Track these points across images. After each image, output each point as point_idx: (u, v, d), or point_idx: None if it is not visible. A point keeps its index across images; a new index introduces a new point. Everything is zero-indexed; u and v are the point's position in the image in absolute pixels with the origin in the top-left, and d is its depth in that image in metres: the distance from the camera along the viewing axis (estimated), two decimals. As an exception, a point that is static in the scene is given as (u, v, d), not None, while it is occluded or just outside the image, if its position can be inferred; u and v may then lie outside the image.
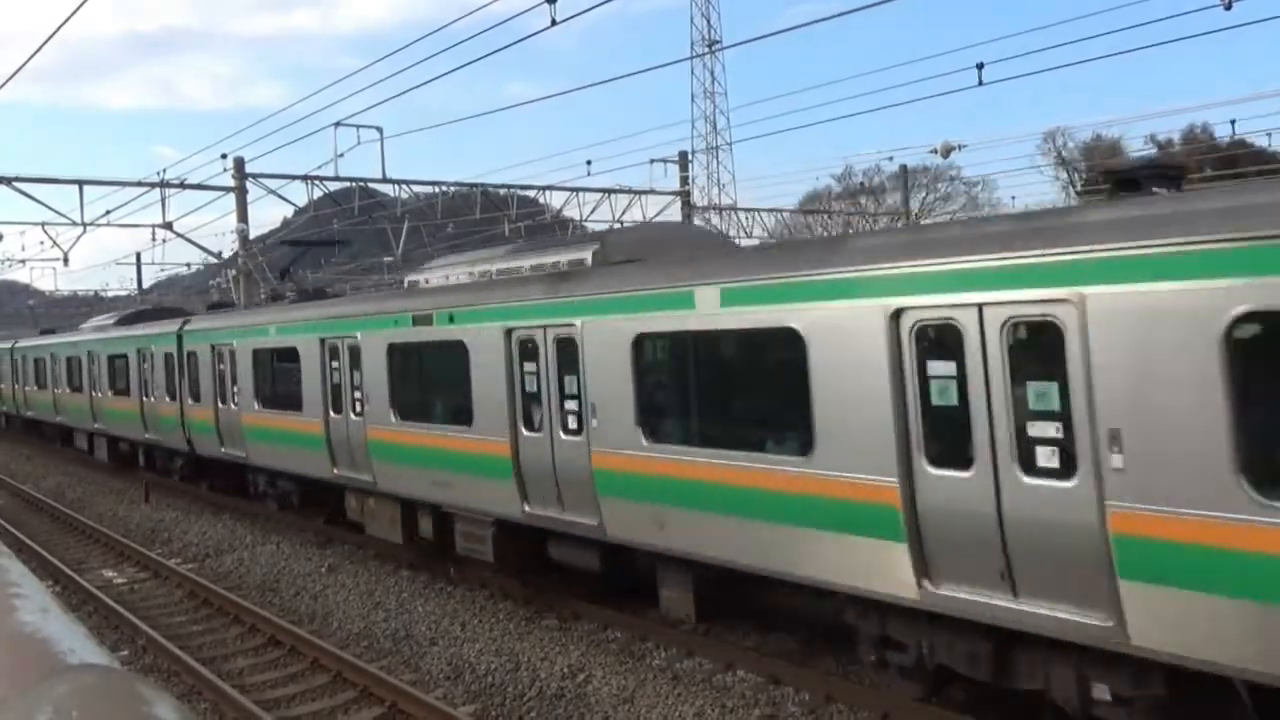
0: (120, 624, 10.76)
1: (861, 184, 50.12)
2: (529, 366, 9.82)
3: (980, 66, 17.95)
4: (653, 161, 30.28)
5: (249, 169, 24.47)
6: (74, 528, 17.15)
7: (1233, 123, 41.26)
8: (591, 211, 29.60)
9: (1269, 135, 35.44)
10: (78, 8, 11.00)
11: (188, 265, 47.28)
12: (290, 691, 8.71)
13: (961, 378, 6.25)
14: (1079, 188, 49.81)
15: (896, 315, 6.53)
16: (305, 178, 24.59)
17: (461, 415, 10.67)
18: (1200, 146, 42.60)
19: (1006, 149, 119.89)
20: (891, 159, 39.41)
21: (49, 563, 13.71)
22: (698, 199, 34.34)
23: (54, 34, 12.47)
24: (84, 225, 24.11)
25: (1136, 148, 47.01)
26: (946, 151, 32.37)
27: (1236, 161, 39.20)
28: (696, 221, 33.05)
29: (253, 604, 11.18)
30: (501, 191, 29.52)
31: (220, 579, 12.74)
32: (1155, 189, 6.39)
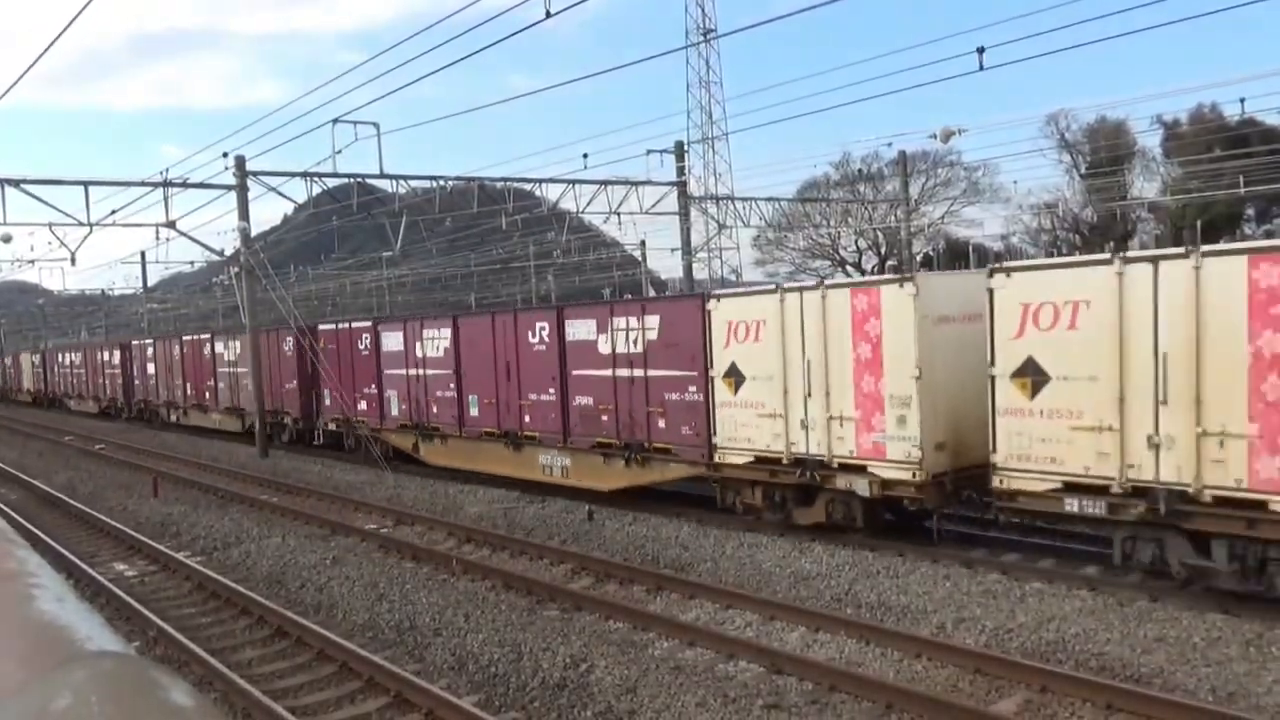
0: (131, 615, 10.90)
1: (860, 171, 49.85)
2: None
3: (981, 50, 17.87)
4: (649, 152, 30.25)
5: (250, 167, 24.55)
6: (85, 522, 17.30)
7: (1242, 101, 40.77)
8: (588, 203, 29.60)
9: (1280, 113, 34.92)
10: (81, 9, 11.07)
11: (191, 263, 47.45)
12: (298, 681, 8.83)
13: None
14: (1083, 170, 49.54)
15: None
16: (304, 175, 24.64)
17: None
18: (1209, 126, 42.16)
19: (1009, 132, 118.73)
20: (890, 145, 39.12)
21: (62, 556, 13.85)
22: (694, 189, 34.25)
23: (60, 35, 12.55)
24: (90, 225, 24.24)
25: (1142, 129, 46.62)
26: (947, 136, 32.15)
27: (1246, 141, 38.75)
28: (693, 212, 33.06)
29: (260, 596, 11.31)
30: (499, 185, 29.54)
31: (228, 571, 12.88)
32: None
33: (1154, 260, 9.40)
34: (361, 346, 21.91)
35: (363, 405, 21.75)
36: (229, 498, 19.15)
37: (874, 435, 11.76)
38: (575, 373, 16.01)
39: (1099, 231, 44.97)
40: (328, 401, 23.32)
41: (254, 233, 26.26)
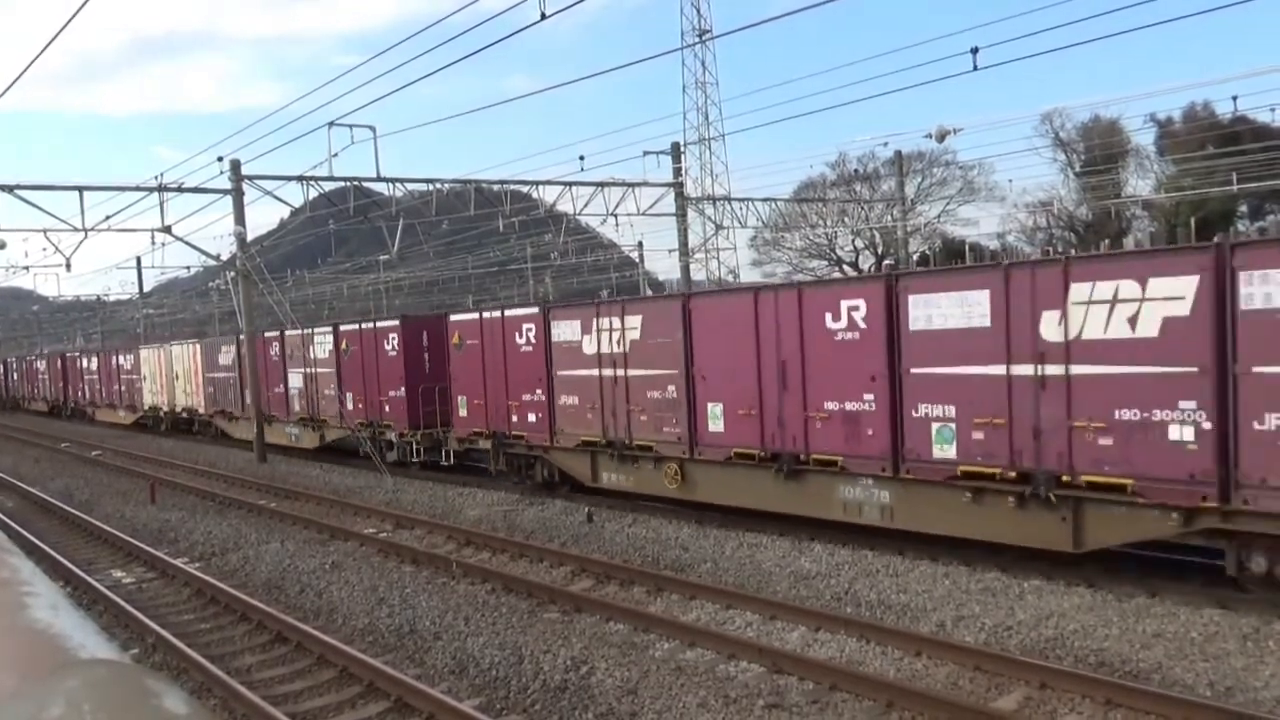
0: (130, 622, 10.88)
1: (856, 171, 49.84)
2: None
3: (975, 50, 17.88)
4: (646, 154, 30.24)
5: (245, 170, 24.52)
6: (82, 529, 17.27)
7: (1235, 99, 40.73)
8: (585, 205, 29.62)
9: (1272, 110, 34.92)
10: (77, 10, 11.04)
11: (187, 268, 47.47)
12: (298, 687, 8.82)
13: None
14: (1077, 168, 49.64)
15: None
16: (300, 178, 24.59)
17: None
18: (1202, 124, 42.24)
19: (1003, 131, 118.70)
20: (886, 145, 39.01)
21: (59, 563, 13.83)
22: (691, 190, 34.25)
23: (55, 37, 12.52)
24: (85, 231, 24.19)
25: (1136, 127, 46.70)
26: (942, 136, 32.09)
27: (1239, 138, 38.78)
28: (690, 213, 33.05)
29: (259, 601, 11.30)
30: (495, 187, 29.52)
31: (226, 577, 12.86)
32: None
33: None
34: (81, 365, 43.44)
35: (85, 393, 43.07)
36: (227, 503, 19.12)
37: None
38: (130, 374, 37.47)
39: (1094, 229, 45.07)
40: (72, 393, 45.36)
41: (250, 237, 26.25)
